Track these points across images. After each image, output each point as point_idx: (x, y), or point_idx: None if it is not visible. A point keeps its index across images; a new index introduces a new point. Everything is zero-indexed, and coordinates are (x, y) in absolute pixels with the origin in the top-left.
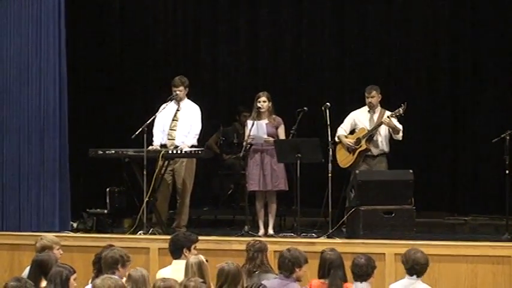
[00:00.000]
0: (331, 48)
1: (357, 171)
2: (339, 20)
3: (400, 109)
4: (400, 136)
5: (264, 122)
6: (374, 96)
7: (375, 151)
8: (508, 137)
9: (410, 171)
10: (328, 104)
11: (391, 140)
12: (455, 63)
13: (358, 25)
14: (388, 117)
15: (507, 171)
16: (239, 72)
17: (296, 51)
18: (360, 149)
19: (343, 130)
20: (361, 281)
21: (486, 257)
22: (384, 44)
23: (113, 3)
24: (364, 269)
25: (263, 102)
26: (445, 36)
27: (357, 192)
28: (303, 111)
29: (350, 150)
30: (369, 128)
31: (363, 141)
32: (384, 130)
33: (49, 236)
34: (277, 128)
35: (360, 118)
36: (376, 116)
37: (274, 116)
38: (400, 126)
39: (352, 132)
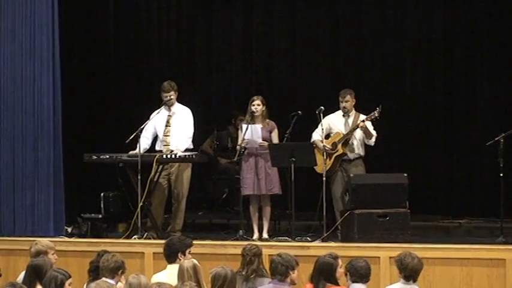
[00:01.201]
0: (326, 51)
1: (352, 175)
2: (334, 23)
3: (375, 112)
4: (372, 142)
5: (258, 126)
6: (348, 100)
7: (351, 155)
8: (502, 140)
9: (405, 174)
10: (322, 107)
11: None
12: (450, 66)
13: (353, 28)
14: (362, 120)
15: (501, 174)
16: (233, 76)
17: (290, 55)
18: (337, 154)
19: (318, 135)
20: (363, 283)
21: (481, 260)
22: (379, 46)
23: (107, 8)
24: (367, 271)
25: (257, 106)
26: (439, 39)
27: (351, 196)
28: (297, 115)
29: (326, 155)
30: (344, 132)
31: (339, 146)
32: (359, 134)
33: (44, 241)
34: (271, 132)
35: (334, 122)
36: (351, 120)
37: (268, 120)
38: (374, 132)
39: (327, 136)
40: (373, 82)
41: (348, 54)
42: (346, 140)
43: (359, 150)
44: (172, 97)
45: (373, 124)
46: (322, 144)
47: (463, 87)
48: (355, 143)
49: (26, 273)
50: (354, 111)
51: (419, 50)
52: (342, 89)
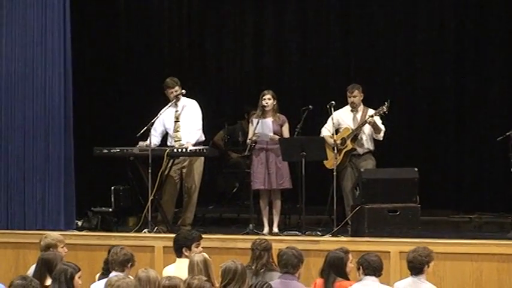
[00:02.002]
0: (337, 46)
1: (362, 170)
2: (345, 17)
3: (384, 107)
4: (381, 136)
5: (269, 120)
6: (356, 95)
7: (360, 150)
8: None
9: (415, 169)
10: (333, 102)
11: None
12: (460, 61)
13: (363, 23)
14: (371, 115)
15: None
16: (244, 71)
17: (301, 49)
18: (346, 149)
19: (327, 130)
20: (376, 276)
21: (491, 255)
22: (389, 42)
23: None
24: (380, 265)
25: (268, 100)
26: (449, 34)
27: (362, 191)
28: (308, 110)
29: (336, 150)
30: (352, 127)
31: (348, 141)
32: (368, 129)
33: (53, 234)
34: (281, 126)
35: (343, 118)
36: (359, 115)
37: (278, 114)
38: (382, 127)
39: (335, 132)
40: (384, 76)
41: (359, 48)
42: (355, 135)
43: (368, 145)
44: (176, 93)
45: (381, 119)
46: (332, 140)
47: (473, 82)
48: (364, 137)
49: (36, 266)
50: (362, 106)
51: (429, 44)
52: (352, 83)
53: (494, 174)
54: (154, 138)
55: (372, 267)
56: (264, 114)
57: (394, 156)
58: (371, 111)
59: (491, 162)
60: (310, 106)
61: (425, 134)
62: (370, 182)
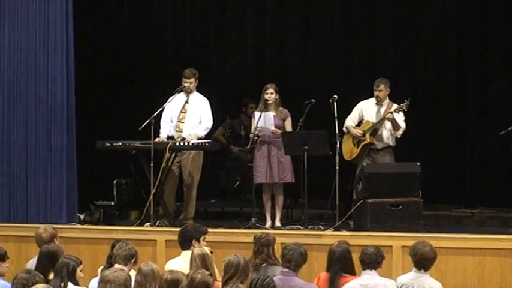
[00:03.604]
0: (339, 40)
1: (364, 164)
2: (347, 11)
3: (403, 105)
4: (399, 134)
5: (271, 114)
6: (382, 90)
7: (378, 145)
8: None
9: (418, 163)
10: (335, 96)
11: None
12: (464, 55)
13: (365, 17)
14: (391, 112)
15: None
16: (247, 65)
17: (304, 43)
18: (364, 143)
19: (351, 121)
20: (370, 269)
21: (493, 250)
22: (392, 36)
23: None
24: (373, 257)
25: (270, 94)
26: (454, 28)
27: (364, 185)
28: (311, 104)
29: (355, 142)
30: (375, 120)
31: (367, 135)
32: (389, 125)
33: (49, 226)
34: (284, 120)
35: (367, 110)
36: (383, 109)
37: (281, 108)
38: (402, 124)
39: (359, 123)
40: (387, 71)
41: (361, 43)
42: (374, 130)
43: (388, 140)
44: (190, 84)
45: (405, 115)
46: (356, 131)
47: (476, 76)
48: (384, 133)
49: (39, 260)
50: (387, 100)
51: (433, 39)
52: (355, 77)
53: (496, 168)
54: (166, 126)
55: (367, 262)
56: (266, 108)
57: (397, 151)
58: (395, 106)
59: (494, 157)
60: (313, 100)
61: (427, 128)
62: (373, 176)
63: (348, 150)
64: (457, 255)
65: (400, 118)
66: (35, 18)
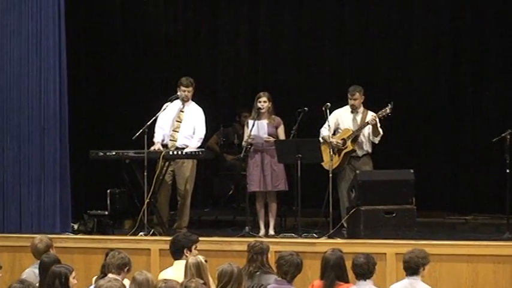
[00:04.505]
0: (332, 48)
1: (358, 172)
2: (339, 20)
3: (387, 109)
4: (377, 139)
5: (264, 122)
6: (357, 98)
7: (359, 152)
8: (508, 136)
9: (411, 170)
10: (328, 104)
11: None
12: (457, 62)
13: (358, 25)
14: (374, 118)
15: (507, 170)
16: (239, 73)
17: (296, 51)
18: (346, 150)
19: (327, 130)
20: (364, 279)
21: (487, 256)
22: (384, 43)
23: (114, 5)
24: (365, 267)
25: (263, 102)
26: (447, 34)
27: (357, 192)
28: (304, 112)
29: (335, 151)
30: (352, 128)
31: (349, 142)
32: (367, 131)
33: (45, 236)
34: (277, 128)
35: (343, 118)
36: (359, 117)
37: (274, 116)
38: (380, 130)
39: (334, 132)
40: (380, 78)
41: (354, 50)
42: (355, 137)
43: (366, 147)
44: (188, 93)
45: (380, 122)
46: (332, 140)
47: (469, 83)
48: (363, 139)
49: (44, 276)
50: (362, 108)
51: (426, 46)
52: (348, 85)
53: (489, 175)
54: (160, 131)
55: (360, 273)
56: (259, 116)
57: (390, 158)
58: (371, 113)
59: (487, 164)
60: (306, 108)
61: (421, 135)
62: (366, 184)
63: (327, 160)
64: (451, 262)
65: (377, 124)
66: (27, 26)
